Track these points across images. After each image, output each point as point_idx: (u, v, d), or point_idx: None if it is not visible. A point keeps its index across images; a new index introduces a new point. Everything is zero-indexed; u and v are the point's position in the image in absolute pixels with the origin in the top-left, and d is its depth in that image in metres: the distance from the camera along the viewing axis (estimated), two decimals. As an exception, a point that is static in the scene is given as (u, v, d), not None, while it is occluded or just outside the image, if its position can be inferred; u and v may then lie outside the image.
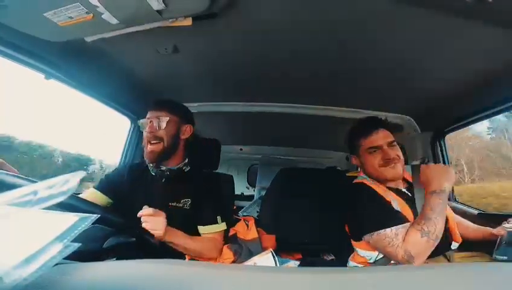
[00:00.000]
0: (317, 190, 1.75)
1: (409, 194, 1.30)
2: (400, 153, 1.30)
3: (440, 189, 1.14)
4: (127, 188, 1.34)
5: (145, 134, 1.30)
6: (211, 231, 1.27)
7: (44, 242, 0.32)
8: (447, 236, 1.19)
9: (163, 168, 1.32)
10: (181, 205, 1.28)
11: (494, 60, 1.18)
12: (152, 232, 1.01)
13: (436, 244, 1.07)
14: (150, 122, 1.29)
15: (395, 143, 1.31)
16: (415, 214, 1.21)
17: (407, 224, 1.15)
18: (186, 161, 1.38)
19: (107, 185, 1.36)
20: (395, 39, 1.14)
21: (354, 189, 1.36)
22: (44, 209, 0.38)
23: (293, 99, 1.90)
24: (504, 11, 0.89)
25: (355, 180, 1.40)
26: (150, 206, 1.10)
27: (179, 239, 1.14)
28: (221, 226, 1.29)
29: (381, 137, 1.30)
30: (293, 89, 1.72)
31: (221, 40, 1.22)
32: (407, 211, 1.22)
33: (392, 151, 1.28)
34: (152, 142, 1.27)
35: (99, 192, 1.32)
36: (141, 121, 1.33)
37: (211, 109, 2.02)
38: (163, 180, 1.33)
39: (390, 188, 1.29)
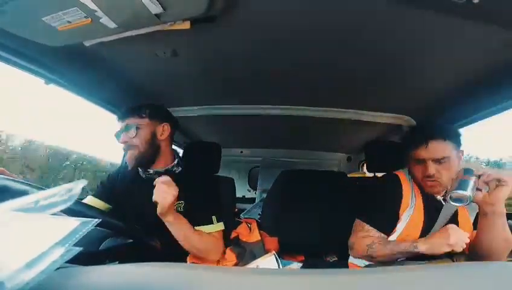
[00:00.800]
0: (319, 192, 1.75)
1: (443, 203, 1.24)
2: (447, 171, 1.19)
3: (416, 244, 1.11)
4: (120, 193, 1.34)
5: (121, 144, 1.28)
6: (206, 231, 1.23)
7: (46, 246, 0.32)
8: None
9: (151, 171, 1.29)
10: (175, 207, 1.22)
11: (493, 59, 1.18)
12: (159, 200, 1.02)
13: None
14: (121, 133, 1.26)
15: (445, 159, 1.19)
16: (428, 224, 1.21)
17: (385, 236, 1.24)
18: (176, 161, 1.34)
19: (102, 191, 1.36)
20: (394, 39, 1.14)
21: (387, 177, 1.40)
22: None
23: (292, 101, 1.90)
24: (502, 11, 0.89)
25: (396, 171, 1.37)
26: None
27: (182, 225, 1.13)
28: (218, 226, 1.26)
29: (429, 151, 1.19)
30: (293, 91, 1.72)
31: (220, 44, 1.22)
32: (417, 222, 1.22)
33: (434, 168, 1.19)
34: (127, 151, 1.25)
35: (97, 199, 1.32)
36: (116, 133, 1.29)
37: (211, 112, 2.02)
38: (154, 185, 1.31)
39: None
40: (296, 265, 1.46)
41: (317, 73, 1.46)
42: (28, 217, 0.38)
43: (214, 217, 1.26)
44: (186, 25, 1.02)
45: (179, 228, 1.12)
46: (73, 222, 0.38)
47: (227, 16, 1.01)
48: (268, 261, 1.07)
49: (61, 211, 0.40)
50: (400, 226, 1.24)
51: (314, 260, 1.60)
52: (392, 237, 1.24)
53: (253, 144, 3.20)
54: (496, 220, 1.06)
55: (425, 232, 1.20)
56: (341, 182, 1.95)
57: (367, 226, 1.25)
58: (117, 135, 1.28)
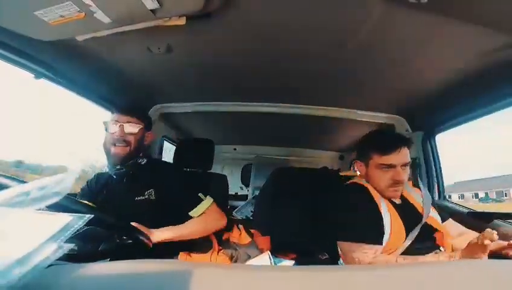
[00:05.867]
0: (311, 190, 1.76)
1: (401, 207, 1.27)
2: (407, 175, 1.26)
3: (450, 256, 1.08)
4: (98, 193, 1.36)
5: (110, 136, 1.30)
6: (201, 210, 1.28)
7: (38, 243, 0.32)
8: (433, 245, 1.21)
9: (119, 166, 1.32)
10: (146, 196, 1.28)
11: (484, 59, 1.20)
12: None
13: None
14: (120, 125, 1.29)
15: (408, 164, 1.25)
16: (406, 226, 1.20)
17: (381, 246, 1.15)
18: (141, 154, 1.39)
19: (84, 195, 1.37)
20: (387, 40, 1.15)
21: (351, 189, 1.35)
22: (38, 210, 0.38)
23: (286, 99, 1.91)
24: (493, 11, 0.90)
25: (352, 180, 1.38)
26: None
27: (168, 234, 1.15)
28: (208, 201, 1.31)
29: (399, 157, 1.22)
30: (287, 89, 1.73)
31: (215, 40, 1.22)
32: (397, 224, 1.20)
33: (403, 173, 1.23)
34: (118, 145, 1.29)
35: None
36: (106, 121, 1.32)
37: (205, 109, 2.02)
38: (124, 180, 1.34)
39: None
40: (288, 263, 1.47)
41: (311, 72, 1.47)
42: (20, 213, 0.38)
43: (200, 195, 1.32)
44: (182, 21, 1.01)
45: (170, 238, 1.15)
46: (65, 218, 0.38)
47: (223, 13, 1.01)
48: (262, 260, 1.08)
49: (50, 206, 0.40)
50: (385, 236, 1.19)
51: (306, 258, 1.60)
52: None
53: (247, 141, 3.21)
54: None
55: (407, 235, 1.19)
56: (333, 180, 1.96)
57: (355, 245, 1.17)
58: (108, 126, 1.31)
